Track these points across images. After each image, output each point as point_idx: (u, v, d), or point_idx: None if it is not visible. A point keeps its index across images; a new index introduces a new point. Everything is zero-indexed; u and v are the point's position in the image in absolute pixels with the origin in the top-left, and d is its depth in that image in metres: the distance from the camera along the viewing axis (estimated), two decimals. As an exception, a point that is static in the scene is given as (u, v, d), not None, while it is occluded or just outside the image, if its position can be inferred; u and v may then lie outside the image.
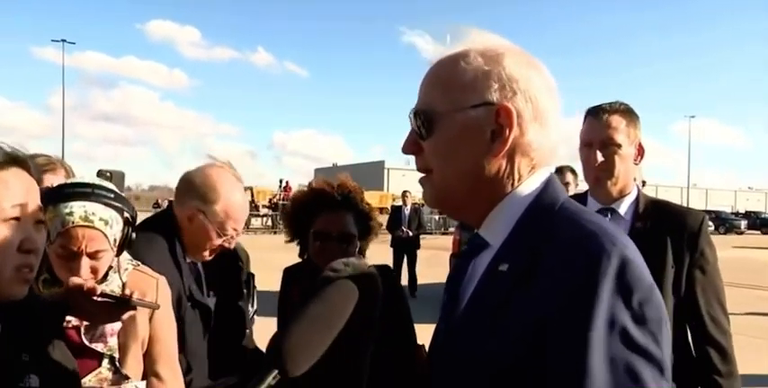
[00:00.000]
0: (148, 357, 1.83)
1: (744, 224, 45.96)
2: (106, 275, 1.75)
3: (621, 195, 2.32)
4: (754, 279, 14.18)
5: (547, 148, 1.14)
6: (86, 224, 1.63)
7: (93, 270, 1.68)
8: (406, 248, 11.68)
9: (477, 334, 1.04)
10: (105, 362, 1.71)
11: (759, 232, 46.28)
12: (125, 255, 1.84)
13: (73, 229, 1.62)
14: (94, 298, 1.44)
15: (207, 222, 2.18)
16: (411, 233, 11.86)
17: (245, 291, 2.56)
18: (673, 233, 2.19)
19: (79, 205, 1.63)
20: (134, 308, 1.51)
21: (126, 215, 1.75)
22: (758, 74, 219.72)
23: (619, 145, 2.23)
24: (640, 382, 0.89)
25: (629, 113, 2.28)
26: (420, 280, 11.45)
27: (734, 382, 2.19)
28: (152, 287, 1.84)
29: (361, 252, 2.45)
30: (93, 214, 1.65)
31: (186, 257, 2.21)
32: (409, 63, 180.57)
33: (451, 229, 32.26)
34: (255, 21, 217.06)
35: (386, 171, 77.26)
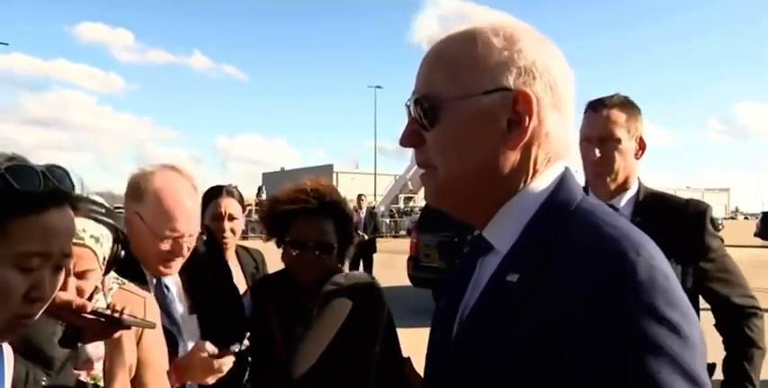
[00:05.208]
0: (137, 384, 1.66)
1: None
2: (91, 296, 1.58)
3: (622, 190, 2.26)
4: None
5: (563, 139, 1.02)
6: (75, 241, 1.41)
7: (80, 291, 1.49)
8: (362, 252, 11.59)
9: (481, 346, 0.93)
10: None
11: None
12: (111, 273, 1.67)
13: None
14: (84, 315, 1.31)
15: (142, 223, 1.93)
16: (367, 237, 11.78)
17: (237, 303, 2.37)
18: (674, 226, 2.08)
19: None
20: (127, 327, 1.39)
21: (117, 231, 1.58)
22: (680, 73, 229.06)
23: (618, 140, 2.18)
24: None
25: (629, 106, 2.23)
26: (377, 284, 11.35)
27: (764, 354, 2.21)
28: (140, 307, 1.66)
29: (342, 261, 2.33)
30: (83, 230, 1.46)
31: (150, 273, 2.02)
32: (348, 64, 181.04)
33: (402, 232, 32.43)
34: (189, 23, 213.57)
35: (335, 175, 77.53)
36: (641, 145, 2.26)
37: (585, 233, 0.90)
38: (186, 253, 2.00)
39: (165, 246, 1.94)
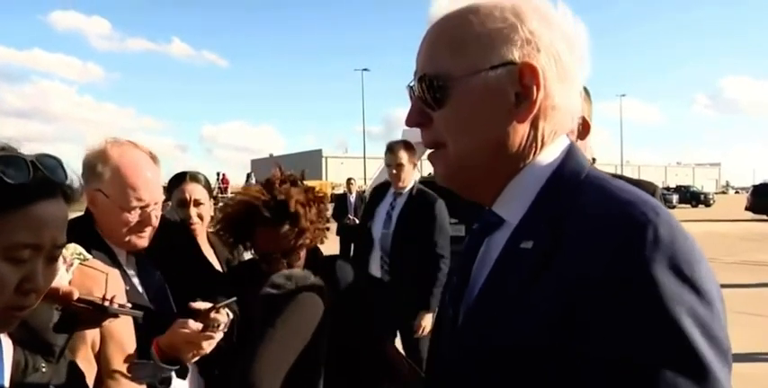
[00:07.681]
0: (103, 358, 1.63)
1: (675, 198, 47.03)
2: None
3: None
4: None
5: (569, 111, 1.02)
6: None
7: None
8: (353, 236, 11.56)
9: (497, 318, 0.92)
10: None
11: (689, 205, 47.87)
12: (74, 248, 1.62)
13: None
14: (72, 303, 1.29)
15: (106, 199, 1.91)
16: (357, 221, 11.76)
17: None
18: None
19: None
20: (115, 316, 1.37)
21: None
22: (665, 51, 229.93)
23: None
24: (708, 371, 0.76)
25: None
26: (369, 268, 11.38)
27: None
28: (100, 284, 1.60)
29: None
30: None
31: (119, 250, 1.97)
32: (332, 48, 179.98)
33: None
34: (167, 10, 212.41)
35: (324, 160, 77.36)
36: (584, 126, 2.24)
37: (599, 201, 0.91)
38: (155, 222, 2.00)
39: (134, 217, 1.93)
